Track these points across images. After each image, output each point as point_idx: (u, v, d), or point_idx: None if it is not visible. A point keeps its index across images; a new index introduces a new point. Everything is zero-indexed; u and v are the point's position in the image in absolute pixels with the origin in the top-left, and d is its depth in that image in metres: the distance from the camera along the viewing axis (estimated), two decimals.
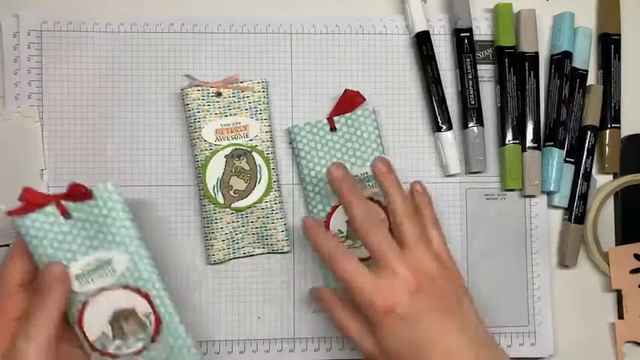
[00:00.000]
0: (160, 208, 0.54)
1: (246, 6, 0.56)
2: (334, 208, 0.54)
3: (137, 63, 0.55)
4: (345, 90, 0.55)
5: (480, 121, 0.56)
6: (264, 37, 0.56)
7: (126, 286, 0.46)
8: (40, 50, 0.54)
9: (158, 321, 0.47)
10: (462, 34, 0.56)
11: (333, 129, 0.54)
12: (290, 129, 0.54)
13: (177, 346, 0.47)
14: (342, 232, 0.54)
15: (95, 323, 0.46)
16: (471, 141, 0.55)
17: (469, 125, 0.55)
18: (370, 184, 0.54)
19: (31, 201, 0.45)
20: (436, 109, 0.55)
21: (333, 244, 0.46)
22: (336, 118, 0.54)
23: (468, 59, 0.56)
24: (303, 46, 0.56)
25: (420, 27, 0.56)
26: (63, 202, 0.46)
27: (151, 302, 0.46)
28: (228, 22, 0.55)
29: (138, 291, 0.46)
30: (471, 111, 0.56)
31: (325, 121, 0.54)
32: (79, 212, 0.46)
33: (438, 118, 0.55)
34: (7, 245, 0.53)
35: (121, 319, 0.46)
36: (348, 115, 0.54)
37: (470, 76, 0.56)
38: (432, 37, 0.56)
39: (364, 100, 0.55)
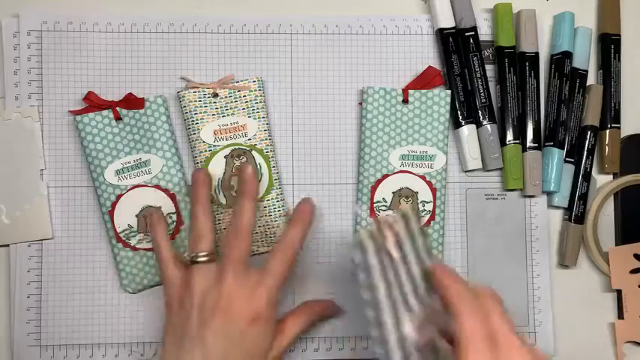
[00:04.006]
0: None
1: (246, 6, 0.56)
2: (384, 177, 0.54)
3: (137, 63, 0.55)
4: (428, 67, 0.55)
5: (492, 119, 0.56)
6: (264, 37, 0.56)
7: (157, 186, 0.53)
8: (40, 50, 0.54)
9: (180, 222, 0.53)
10: (466, 34, 0.56)
11: (405, 101, 0.55)
12: (364, 89, 0.55)
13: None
14: (385, 201, 0.54)
15: (124, 215, 0.53)
16: (485, 139, 0.55)
17: (483, 123, 0.55)
18: (424, 162, 0.55)
19: (93, 102, 0.53)
20: (457, 104, 0.55)
21: (465, 290, 0.40)
22: (411, 92, 0.55)
23: (474, 58, 0.56)
24: (303, 46, 0.56)
25: (445, 23, 0.56)
26: (117, 108, 0.53)
27: (176, 204, 0.53)
28: (228, 22, 0.55)
29: (167, 192, 0.53)
30: (483, 109, 0.56)
31: (400, 91, 0.55)
32: (130, 118, 0.53)
33: (459, 114, 0.55)
34: (7, 245, 0.53)
35: (147, 215, 0.52)
36: (424, 91, 0.55)
37: (478, 75, 0.56)
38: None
39: (443, 82, 0.55)
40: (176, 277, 0.48)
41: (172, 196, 0.53)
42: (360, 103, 0.55)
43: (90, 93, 0.53)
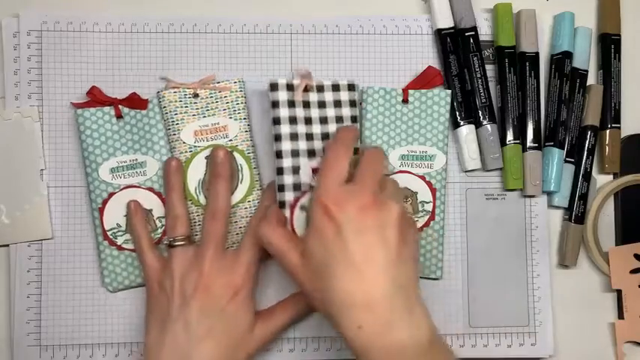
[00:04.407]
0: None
1: (246, 6, 0.56)
2: None
3: (137, 63, 0.55)
4: (428, 66, 0.55)
5: (492, 119, 0.56)
6: (264, 37, 0.56)
7: (150, 189, 0.52)
8: (40, 50, 0.54)
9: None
10: (466, 34, 0.56)
11: (405, 101, 0.55)
12: (364, 89, 0.55)
13: None
14: None
15: (114, 214, 0.52)
16: (485, 138, 0.55)
17: (483, 123, 0.55)
18: (424, 162, 0.55)
19: (96, 98, 0.52)
20: (455, 105, 0.55)
21: (350, 139, 0.48)
22: (410, 92, 0.55)
23: (475, 58, 0.56)
24: (303, 46, 0.56)
25: (443, 23, 0.56)
26: (120, 106, 0.53)
27: None
28: (228, 22, 0.55)
29: (160, 195, 0.53)
30: (483, 109, 0.56)
31: (400, 91, 0.55)
32: (131, 117, 0.53)
33: (457, 115, 0.55)
34: (7, 245, 0.53)
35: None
36: (424, 91, 0.55)
37: (479, 75, 0.56)
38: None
39: (443, 82, 0.55)
40: (156, 262, 0.50)
41: (165, 201, 0.53)
42: (361, 103, 0.55)
43: (93, 87, 0.53)
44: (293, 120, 0.50)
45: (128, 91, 0.54)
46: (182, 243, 0.49)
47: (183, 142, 0.53)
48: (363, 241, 0.42)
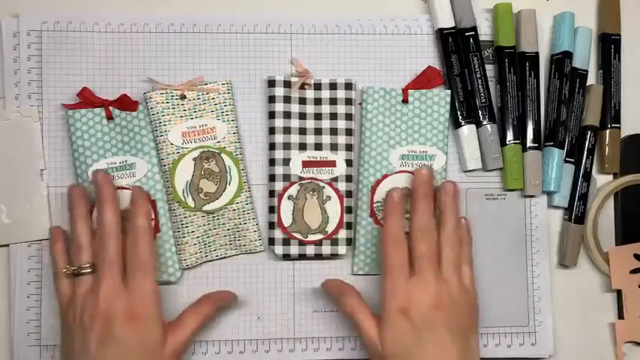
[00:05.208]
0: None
1: (246, 6, 0.56)
2: (384, 177, 0.54)
3: (137, 63, 0.55)
4: (428, 66, 0.55)
5: (492, 119, 0.56)
6: (264, 37, 0.56)
7: None
8: (40, 50, 0.54)
9: (157, 229, 0.53)
10: (466, 34, 0.56)
11: (405, 101, 0.55)
12: (364, 89, 0.55)
13: (164, 257, 0.53)
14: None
15: None
16: (485, 138, 0.55)
17: (483, 123, 0.55)
18: (424, 162, 0.55)
19: (87, 99, 0.53)
20: (457, 104, 0.55)
21: (399, 232, 0.49)
22: (410, 92, 0.55)
23: (475, 58, 0.56)
24: (303, 46, 0.56)
25: (444, 23, 0.56)
26: (110, 107, 0.53)
27: (156, 211, 0.53)
28: (228, 22, 0.55)
29: (148, 197, 0.51)
30: (483, 109, 0.56)
31: (399, 91, 0.55)
32: (122, 119, 0.53)
33: (459, 114, 0.55)
34: (7, 245, 0.53)
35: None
36: (423, 91, 0.55)
37: (478, 75, 0.56)
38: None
39: (442, 82, 0.55)
40: (65, 291, 0.49)
41: (153, 203, 0.53)
42: (360, 103, 0.55)
43: (84, 89, 0.53)
44: (287, 115, 0.53)
45: (128, 91, 0.54)
46: (85, 271, 0.48)
47: (171, 144, 0.53)
48: (435, 338, 0.47)
